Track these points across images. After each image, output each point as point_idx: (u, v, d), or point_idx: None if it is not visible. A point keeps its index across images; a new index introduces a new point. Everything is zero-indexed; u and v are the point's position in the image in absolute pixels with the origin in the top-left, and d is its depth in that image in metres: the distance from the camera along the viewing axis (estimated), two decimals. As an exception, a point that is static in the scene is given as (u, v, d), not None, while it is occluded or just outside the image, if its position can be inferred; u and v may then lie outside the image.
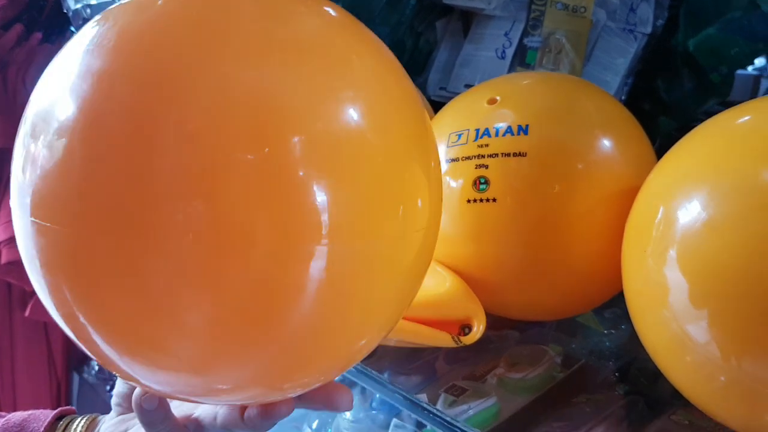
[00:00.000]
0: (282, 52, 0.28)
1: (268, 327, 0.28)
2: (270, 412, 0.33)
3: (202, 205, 0.25)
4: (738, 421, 0.39)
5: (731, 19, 0.79)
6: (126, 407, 0.40)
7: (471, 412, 0.49)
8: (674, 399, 0.47)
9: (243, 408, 0.34)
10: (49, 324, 1.28)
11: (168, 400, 0.35)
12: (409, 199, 0.31)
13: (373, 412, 0.65)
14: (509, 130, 0.47)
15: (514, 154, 0.47)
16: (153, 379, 0.31)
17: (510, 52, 0.80)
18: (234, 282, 0.26)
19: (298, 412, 0.36)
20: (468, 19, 0.86)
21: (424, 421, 0.49)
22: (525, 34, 0.79)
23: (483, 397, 0.50)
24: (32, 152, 0.28)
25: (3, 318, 1.22)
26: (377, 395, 0.64)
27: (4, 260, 1.11)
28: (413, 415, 0.51)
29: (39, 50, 1.15)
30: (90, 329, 0.28)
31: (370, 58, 0.32)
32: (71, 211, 0.26)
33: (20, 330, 1.24)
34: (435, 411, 0.48)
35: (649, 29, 0.82)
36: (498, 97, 0.50)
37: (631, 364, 0.54)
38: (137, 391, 0.34)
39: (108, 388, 1.28)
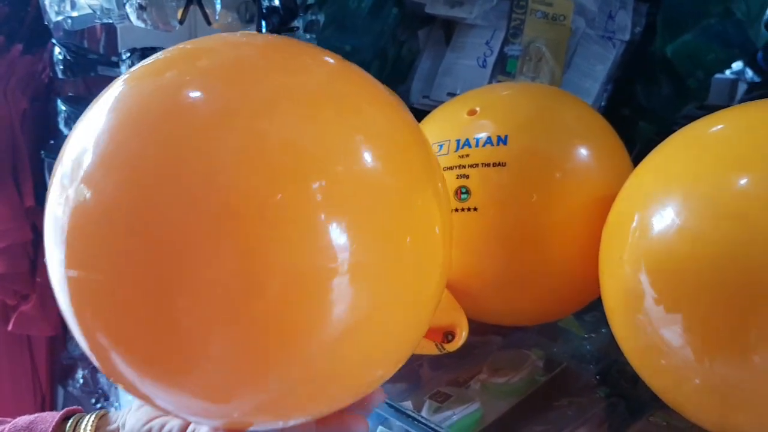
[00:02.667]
0: (296, 103, 0.30)
1: (287, 360, 0.29)
2: None
3: (230, 248, 0.27)
4: (712, 422, 0.40)
5: (707, 26, 0.81)
6: None
7: (455, 417, 0.49)
8: (654, 401, 0.48)
9: None
10: (32, 337, 1.27)
11: None
12: (425, 227, 0.33)
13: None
14: (489, 140, 0.48)
15: (494, 164, 0.48)
16: (171, 402, 0.32)
17: (491, 61, 0.81)
18: (257, 317, 0.28)
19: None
20: (450, 28, 0.87)
21: (409, 429, 0.50)
22: (505, 42, 0.81)
23: (466, 403, 0.51)
24: (67, 193, 0.29)
25: (-15, 331, 1.21)
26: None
27: (-14, 274, 1.10)
28: (398, 423, 0.52)
29: (20, 62, 1.14)
30: (116, 357, 0.30)
31: (373, 99, 0.34)
32: (106, 253, 0.28)
33: (3, 344, 1.23)
34: (420, 418, 0.49)
35: (627, 36, 0.83)
36: (478, 108, 0.51)
37: (612, 367, 0.55)
38: None
39: (93, 401, 1.27)
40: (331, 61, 0.34)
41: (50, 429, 0.40)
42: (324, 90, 0.32)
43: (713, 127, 0.41)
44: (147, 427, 0.39)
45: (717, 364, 0.36)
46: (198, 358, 0.29)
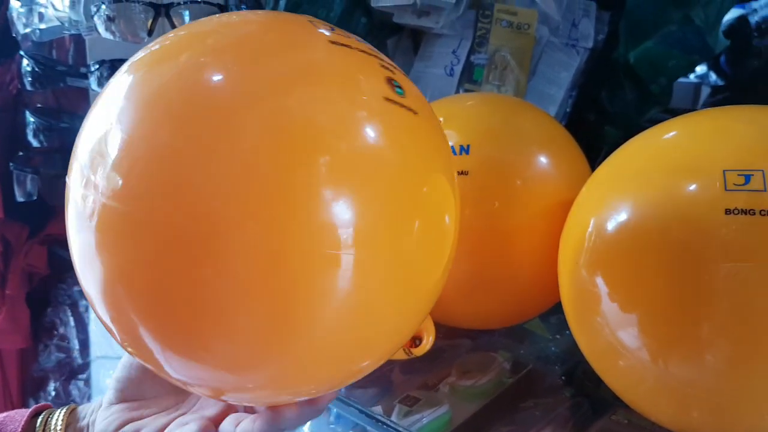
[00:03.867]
0: (306, 77, 0.31)
1: (301, 331, 0.31)
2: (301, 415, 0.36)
3: (253, 223, 0.28)
4: (669, 420, 0.42)
5: (668, 33, 0.83)
6: (128, 394, 0.41)
7: (425, 420, 0.50)
8: (617, 400, 0.50)
9: (278, 415, 0.36)
10: (3, 350, 1.25)
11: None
12: (436, 214, 0.34)
13: (332, 426, 0.67)
14: (452, 149, 0.50)
15: (458, 173, 0.49)
16: (185, 373, 0.33)
17: (458, 70, 0.82)
18: (276, 289, 0.29)
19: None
20: (417, 37, 0.88)
21: (378, 433, 0.51)
22: (472, 51, 0.82)
23: (435, 406, 0.52)
24: (93, 181, 0.30)
25: (-44, 345, 1.19)
26: (335, 410, 0.65)
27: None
28: (369, 427, 0.53)
29: (-12, 72, 1.13)
30: (142, 329, 0.31)
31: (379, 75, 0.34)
32: (136, 227, 0.29)
33: (-26, 357, 1.21)
34: (389, 422, 0.50)
35: (590, 44, 0.85)
36: (441, 119, 0.52)
37: (576, 368, 0.57)
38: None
39: (66, 412, 1.25)
40: (328, 33, 0.34)
41: (20, 426, 0.40)
42: (332, 65, 0.32)
43: (664, 135, 0.43)
44: None
45: (672, 364, 0.38)
46: (219, 327, 0.30)
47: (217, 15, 0.36)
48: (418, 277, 0.34)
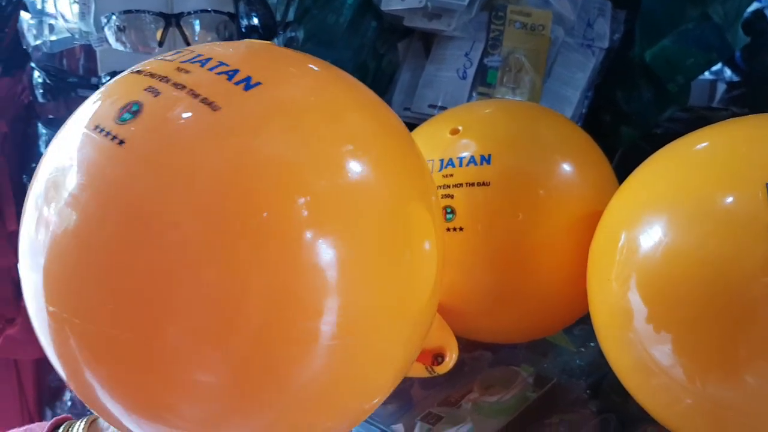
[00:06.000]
0: (281, 115, 0.29)
1: (276, 387, 0.28)
2: None
3: (215, 273, 0.26)
4: (705, 440, 0.40)
5: (685, 31, 0.81)
6: None
7: (448, 438, 0.49)
8: (645, 415, 0.48)
9: None
10: (19, 361, 1.25)
11: None
12: (418, 242, 0.32)
13: (352, 443, 0.65)
14: (472, 160, 0.48)
15: (478, 184, 0.48)
16: None
17: (471, 72, 0.81)
18: (244, 343, 0.27)
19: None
20: (429, 40, 0.87)
21: (401, 453, 0.49)
22: (485, 53, 0.81)
23: (458, 424, 0.50)
24: (45, 216, 0.28)
25: (-30, 357, 1.19)
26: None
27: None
28: (391, 446, 0.51)
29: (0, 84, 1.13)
30: (101, 392, 0.29)
31: (360, 108, 0.33)
32: (88, 290, 0.27)
33: (-11, 367, 1.21)
34: (412, 442, 0.48)
35: (606, 44, 0.83)
36: (460, 127, 0.51)
37: (602, 381, 0.55)
38: None
39: (82, 424, 1.26)
40: (316, 68, 0.34)
41: None
42: (308, 100, 0.31)
43: (697, 144, 0.41)
44: None
45: (709, 385, 0.36)
46: (184, 388, 0.28)
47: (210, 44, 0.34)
48: (401, 308, 0.32)
